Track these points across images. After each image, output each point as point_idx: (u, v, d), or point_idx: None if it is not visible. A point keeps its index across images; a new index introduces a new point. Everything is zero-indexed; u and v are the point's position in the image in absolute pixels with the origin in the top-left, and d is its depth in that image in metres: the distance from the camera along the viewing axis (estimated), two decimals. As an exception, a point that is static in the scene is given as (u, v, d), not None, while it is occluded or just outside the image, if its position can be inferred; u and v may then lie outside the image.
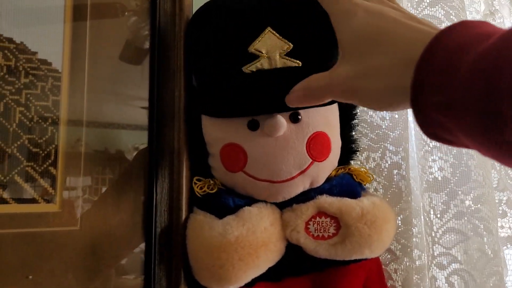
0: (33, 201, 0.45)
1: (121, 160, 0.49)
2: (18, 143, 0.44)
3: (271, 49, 0.47)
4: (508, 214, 0.59)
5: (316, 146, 0.49)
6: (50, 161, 0.46)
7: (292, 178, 0.49)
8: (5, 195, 0.43)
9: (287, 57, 0.47)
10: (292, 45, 0.47)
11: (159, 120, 0.51)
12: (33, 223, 0.45)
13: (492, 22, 0.68)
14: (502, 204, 0.59)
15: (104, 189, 0.48)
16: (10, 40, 0.45)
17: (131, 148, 0.50)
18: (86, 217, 0.47)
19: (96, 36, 0.50)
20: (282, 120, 0.47)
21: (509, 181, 0.61)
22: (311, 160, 0.49)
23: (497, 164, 0.62)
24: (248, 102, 0.46)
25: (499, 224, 0.58)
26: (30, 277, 0.43)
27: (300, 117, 0.48)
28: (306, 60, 0.47)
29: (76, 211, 0.46)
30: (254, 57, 0.46)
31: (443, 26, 0.52)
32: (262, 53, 0.46)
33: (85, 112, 0.48)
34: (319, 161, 0.49)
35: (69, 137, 0.47)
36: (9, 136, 0.44)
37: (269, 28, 0.47)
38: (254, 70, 0.47)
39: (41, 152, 0.46)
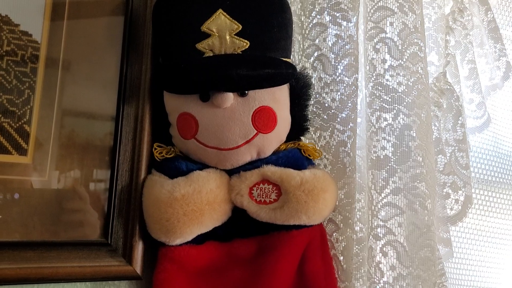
0: (7, 152, 0.52)
1: (90, 121, 0.56)
2: (-4, 101, 0.51)
3: (221, 28, 0.52)
4: (451, 196, 0.62)
5: (261, 119, 0.54)
6: (25, 119, 0.53)
7: (238, 146, 0.54)
8: (-17, 145, 0.50)
9: (236, 37, 0.52)
10: (241, 26, 0.52)
11: (125, 90, 0.57)
12: (7, 171, 0.51)
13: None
14: (446, 186, 0.62)
15: (71, 147, 0.54)
16: (-5, 13, 0.52)
17: (99, 111, 0.57)
18: (54, 170, 0.53)
19: (75, 14, 0.56)
20: (229, 94, 0.52)
21: (457, 166, 0.64)
22: (256, 131, 0.54)
23: (447, 150, 0.65)
24: (199, 83, 0.52)
25: (445, 205, 0.62)
26: (0, 216, 0.50)
27: (247, 92, 0.53)
28: (253, 40, 0.53)
29: (45, 164, 0.53)
30: (206, 35, 0.52)
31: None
32: (213, 31, 0.52)
33: (59, 79, 0.55)
34: (264, 133, 0.54)
35: (43, 99, 0.54)
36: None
37: (220, 10, 0.52)
38: (206, 48, 0.52)
39: (17, 111, 0.52)
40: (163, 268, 0.54)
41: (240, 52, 0.52)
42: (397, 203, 0.57)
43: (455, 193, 0.62)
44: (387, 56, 0.60)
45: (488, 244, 0.76)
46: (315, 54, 0.62)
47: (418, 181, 0.57)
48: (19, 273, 0.50)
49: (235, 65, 0.51)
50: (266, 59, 0.53)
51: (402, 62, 0.60)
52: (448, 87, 0.67)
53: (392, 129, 0.58)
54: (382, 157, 0.58)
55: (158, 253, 0.55)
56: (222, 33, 0.52)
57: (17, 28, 0.54)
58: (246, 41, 0.52)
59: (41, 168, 0.53)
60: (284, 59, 0.55)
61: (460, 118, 0.66)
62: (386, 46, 0.60)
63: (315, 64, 0.62)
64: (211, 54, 0.52)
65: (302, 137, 0.61)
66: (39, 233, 0.52)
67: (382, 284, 0.57)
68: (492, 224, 0.78)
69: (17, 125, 0.52)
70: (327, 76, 0.61)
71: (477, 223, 0.76)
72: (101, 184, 0.56)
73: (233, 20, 0.52)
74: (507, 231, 0.80)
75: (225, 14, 0.52)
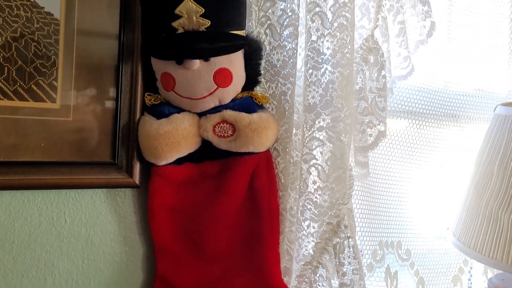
0: (43, 100, 0.74)
1: (95, 74, 0.77)
2: (33, 65, 0.73)
3: (189, 11, 0.71)
4: (367, 131, 0.83)
5: (220, 77, 0.74)
6: (53, 77, 0.75)
7: (204, 97, 0.75)
8: (26, 96, 0.73)
9: (200, 17, 0.72)
10: (204, 9, 0.71)
11: (123, 53, 0.78)
12: (44, 114, 0.74)
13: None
14: (364, 124, 0.83)
15: (89, 96, 0.76)
16: None
17: (103, 67, 0.78)
18: (76, 112, 0.76)
19: (83, -4, 0.76)
20: (196, 60, 0.72)
21: (376, 109, 0.84)
22: (216, 86, 0.75)
23: (369, 96, 0.85)
24: (174, 52, 0.72)
25: (362, 138, 0.84)
26: (42, 144, 0.74)
27: (209, 58, 0.73)
28: (213, 19, 0.72)
29: (69, 108, 0.76)
30: (178, 16, 0.71)
31: None
32: (184, 14, 0.71)
33: (75, 45, 0.75)
34: (222, 87, 0.75)
35: (65, 61, 0.75)
36: (28, 60, 0.73)
37: (188, -3, 0.71)
38: (178, 26, 0.71)
39: (47, 71, 0.74)
40: (154, 181, 0.79)
41: (204, 29, 0.72)
42: (320, 137, 0.79)
43: (370, 129, 0.83)
44: (320, 26, 0.78)
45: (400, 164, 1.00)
46: (267, 23, 0.81)
47: (336, 122, 0.78)
48: (57, 182, 0.74)
49: (199, 40, 0.71)
50: (221, 35, 0.73)
51: (331, 31, 0.78)
52: (375, 45, 0.85)
53: (320, 83, 0.78)
54: (312, 103, 0.79)
55: (151, 170, 0.79)
56: (190, 14, 0.71)
57: (42, 10, 0.74)
58: (207, 20, 0.72)
59: (66, 111, 0.76)
60: (237, 32, 0.74)
61: (382, 71, 0.85)
62: (320, 19, 0.78)
63: (266, 31, 0.81)
64: (182, 31, 0.72)
65: (257, 88, 0.82)
66: (69, 156, 0.76)
67: (306, 193, 0.81)
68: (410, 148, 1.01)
69: (48, 81, 0.74)
70: (274, 41, 0.81)
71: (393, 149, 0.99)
72: (110, 122, 0.78)
73: (198, 5, 0.71)
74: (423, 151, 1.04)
75: (192, 1, 0.71)
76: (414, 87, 1.02)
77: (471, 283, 1.13)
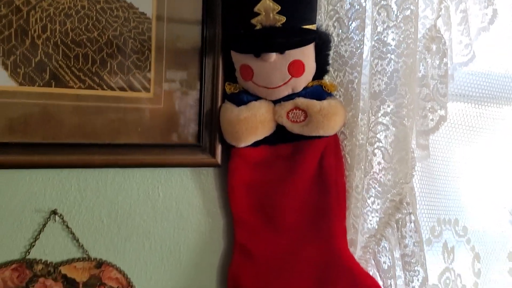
0: (138, 90, 0.85)
1: (183, 70, 0.87)
2: (130, 59, 0.84)
3: (267, 9, 0.79)
4: (429, 116, 0.89)
5: (294, 68, 0.83)
6: (147, 70, 0.85)
7: (279, 86, 0.84)
8: (125, 87, 0.84)
9: (277, 14, 0.79)
10: (280, 7, 0.79)
11: (206, 48, 0.87)
12: (139, 102, 0.85)
13: None
14: (426, 109, 0.89)
15: (177, 86, 0.87)
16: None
17: (189, 64, 0.88)
18: (167, 100, 0.87)
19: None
20: (272, 53, 0.81)
21: (437, 95, 0.90)
22: (290, 76, 0.83)
23: (431, 83, 0.91)
24: (253, 47, 0.81)
25: (423, 123, 0.90)
26: (139, 129, 0.85)
27: (285, 51, 0.82)
28: (288, 16, 0.79)
29: (161, 97, 0.86)
30: (257, 14, 0.80)
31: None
32: (262, 11, 0.79)
33: (165, 43, 0.85)
34: (296, 77, 0.84)
35: (157, 55, 0.85)
36: (126, 55, 0.84)
37: (266, -4, 0.79)
38: (257, 22, 0.80)
39: (142, 64, 0.85)
40: (233, 161, 0.89)
41: (280, 25, 0.80)
42: (384, 122, 0.86)
43: (432, 114, 0.89)
44: (386, 19, 0.84)
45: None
46: (335, 16, 0.88)
47: (400, 107, 0.85)
48: (151, 161, 0.85)
49: (276, 36, 0.79)
50: (296, 30, 0.80)
51: (396, 23, 0.84)
52: (438, 35, 0.90)
53: (385, 72, 0.85)
54: (377, 91, 0.86)
55: (231, 151, 0.89)
56: (268, 12, 0.79)
57: (137, 10, 0.84)
58: (283, 17, 0.79)
59: (158, 100, 0.86)
60: (309, 26, 0.82)
61: (444, 58, 0.90)
62: (386, 11, 0.84)
63: (335, 24, 0.88)
64: (260, 27, 0.80)
65: (325, 77, 0.89)
66: (161, 139, 0.87)
67: (371, 173, 0.88)
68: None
69: (143, 73, 0.85)
70: (342, 33, 0.87)
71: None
72: (195, 109, 0.88)
73: (275, 3, 0.79)
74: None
75: (269, -1, 0.79)
76: (473, 72, 1.06)
77: (525, 260, 1.17)
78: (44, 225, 0.80)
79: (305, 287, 0.88)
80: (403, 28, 0.84)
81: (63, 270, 0.82)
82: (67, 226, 0.82)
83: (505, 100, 1.14)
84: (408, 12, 0.84)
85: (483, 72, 1.07)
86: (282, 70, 0.82)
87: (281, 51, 0.81)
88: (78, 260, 0.83)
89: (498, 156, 1.13)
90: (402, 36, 0.84)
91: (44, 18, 0.76)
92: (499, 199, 1.11)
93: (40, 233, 0.80)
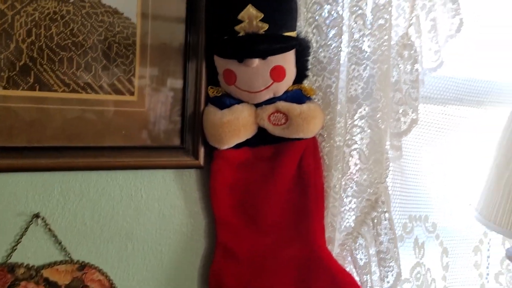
0: (123, 94, 0.86)
1: (166, 74, 0.89)
2: (115, 63, 0.85)
3: (250, 16, 0.82)
4: (402, 119, 0.94)
5: (275, 73, 0.86)
6: (131, 73, 0.86)
7: (261, 91, 0.87)
8: (110, 90, 0.85)
9: (260, 22, 0.82)
10: (263, 15, 0.82)
11: (189, 53, 0.89)
12: (123, 105, 0.86)
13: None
14: (399, 113, 0.94)
15: (160, 92, 0.88)
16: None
17: (172, 68, 0.89)
18: (150, 104, 0.88)
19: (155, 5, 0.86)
20: (255, 59, 0.84)
21: (409, 99, 0.95)
22: (272, 81, 0.86)
23: (404, 88, 0.95)
24: (237, 53, 0.83)
25: (396, 125, 0.95)
26: (123, 132, 0.86)
27: (267, 57, 0.85)
28: (270, 23, 0.82)
29: (144, 100, 0.88)
30: (241, 21, 0.82)
31: None
32: (245, 19, 0.82)
33: (149, 47, 0.87)
34: (277, 82, 0.87)
35: (141, 59, 0.86)
36: (111, 59, 0.84)
37: (250, 5, 0.81)
38: (240, 29, 0.82)
39: (126, 68, 0.86)
40: (216, 162, 0.91)
41: (263, 32, 0.83)
42: (360, 125, 0.91)
43: (404, 117, 0.94)
44: (362, 27, 0.89)
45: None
46: (314, 24, 0.92)
47: (375, 111, 0.90)
48: (135, 163, 0.87)
49: (258, 43, 0.82)
50: (278, 37, 0.84)
51: (371, 31, 0.89)
52: (409, 42, 0.95)
53: (361, 77, 0.89)
54: (354, 95, 0.90)
55: (213, 153, 0.91)
56: (251, 19, 0.82)
57: (122, 15, 0.85)
58: (266, 24, 0.82)
59: (142, 103, 0.88)
60: (289, 33, 0.85)
61: (415, 64, 0.95)
62: (362, 20, 0.89)
63: (314, 31, 0.92)
64: (243, 34, 0.83)
65: (305, 81, 0.93)
66: (144, 141, 0.88)
67: (348, 174, 0.93)
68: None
69: (127, 77, 0.86)
70: (321, 39, 0.91)
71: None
72: (178, 112, 0.90)
73: (258, 11, 0.82)
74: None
75: (252, 7, 0.82)
76: (440, 76, 1.12)
77: (489, 253, 1.25)
78: (26, 229, 0.81)
79: (286, 285, 0.91)
80: (377, 35, 0.89)
81: (45, 273, 0.82)
82: (50, 229, 0.82)
83: (469, 102, 1.21)
84: (382, 21, 0.89)
85: (449, 76, 1.13)
86: (264, 75, 0.85)
87: (263, 57, 0.84)
88: (60, 263, 0.83)
89: (463, 155, 1.20)
90: (377, 43, 0.89)
91: (29, 23, 0.76)
92: (465, 196, 1.18)
93: (22, 237, 0.80)
